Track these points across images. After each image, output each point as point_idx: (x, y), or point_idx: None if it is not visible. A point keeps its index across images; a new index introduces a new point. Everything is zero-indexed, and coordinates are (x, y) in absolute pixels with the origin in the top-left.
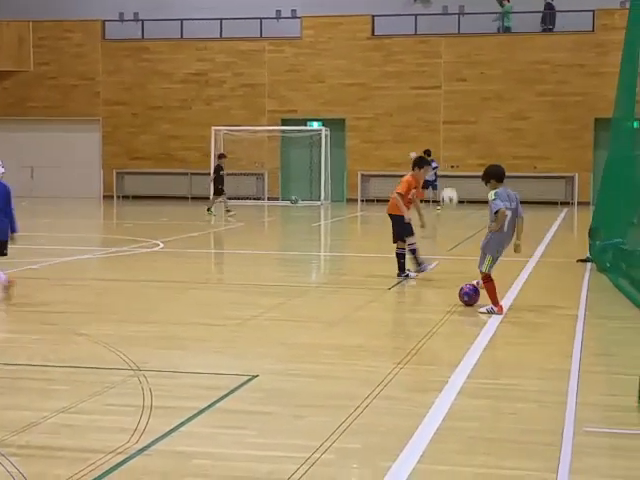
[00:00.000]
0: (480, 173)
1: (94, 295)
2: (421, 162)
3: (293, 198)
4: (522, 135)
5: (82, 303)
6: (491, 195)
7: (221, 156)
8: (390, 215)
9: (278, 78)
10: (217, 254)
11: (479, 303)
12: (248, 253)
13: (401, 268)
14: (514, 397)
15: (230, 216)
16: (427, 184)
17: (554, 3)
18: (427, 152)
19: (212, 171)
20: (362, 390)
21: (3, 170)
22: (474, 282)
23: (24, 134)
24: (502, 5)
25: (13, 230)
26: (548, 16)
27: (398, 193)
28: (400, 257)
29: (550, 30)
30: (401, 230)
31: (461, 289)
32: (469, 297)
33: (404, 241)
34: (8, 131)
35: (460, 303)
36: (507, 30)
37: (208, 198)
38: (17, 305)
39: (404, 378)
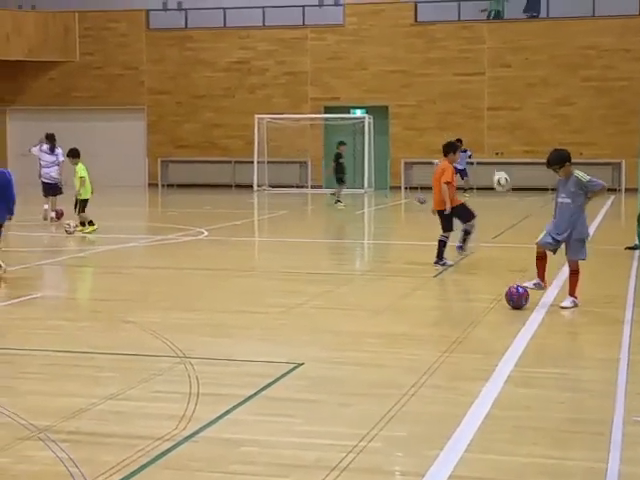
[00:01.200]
0: (525, 160)
1: (140, 283)
2: (453, 146)
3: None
4: (567, 121)
5: (128, 291)
6: (584, 176)
7: (341, 143)
8: (438, 211)
9: (321, 66)
10: (261, 242)
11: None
12: (292, 241)
13: (439, 255)
14: (562, 386)
15: (340, 207)
16: (456, 171)
17: None
18: (459, 141)
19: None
20: (408, 378)
21: (63, 158)
22: (526, 284)
23: (70, 123)
24: None
25: (10, 213)
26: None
27: (447, 183)
28: (441, 244)
29: (592, 15)
30: (446, 224)
31: (509, 292)
32: (514, 301)
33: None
34: (54, 121)
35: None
36: (497, 16)
37: (251, 186)
38: (65, 292)
39: (450, 367)
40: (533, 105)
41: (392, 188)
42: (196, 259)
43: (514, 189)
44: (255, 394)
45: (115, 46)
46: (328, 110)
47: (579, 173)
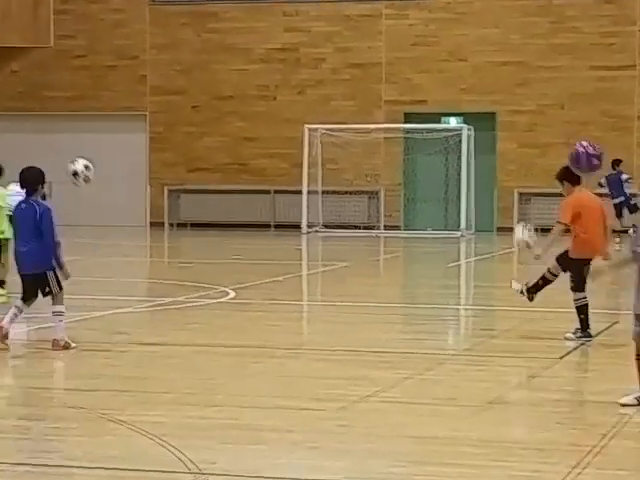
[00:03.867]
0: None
1: (136, 366)
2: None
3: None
4: None
5: (120, 377)
6: None
7: (617, 162)
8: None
9: (400, 55)
10: (312, 307)
11: None
12: (356, 306)
13: (582, 326)
14: None
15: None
16: (619, 207)
17: None
18: (617, 162)
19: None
20: None
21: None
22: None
23: (39, 136)
24: None
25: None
26: None
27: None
28: (580, 311)
29: None
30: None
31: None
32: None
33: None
34: (17, 131)
35: None
36: None
37: (299, 227)
38: (29, 378)
39: None
40: None
41: (501, 230)
42: (217, 332)
43: None
44: None
45: (106, 26)
46: (410, 118)
47: None
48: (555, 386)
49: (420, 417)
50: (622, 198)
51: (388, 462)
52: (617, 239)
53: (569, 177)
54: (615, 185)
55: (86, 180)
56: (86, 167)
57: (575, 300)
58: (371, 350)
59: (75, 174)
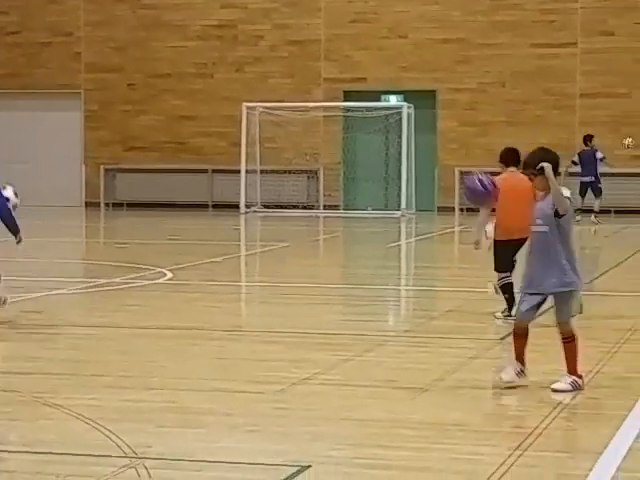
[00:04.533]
0: (636, 169)
1: (71, 349)
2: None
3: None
4: None
5: (55, 360)
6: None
7: (589, 138)
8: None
9: (339, 32)
10: (251, 288)
11: None
12: (296, 287)
13: (508, 305)
14: None
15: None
16: (586, 186)
17: None
18: (589, 137)
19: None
20: None
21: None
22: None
23: None
24: None
25: None
26: None
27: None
28: (503, 290)
29: None
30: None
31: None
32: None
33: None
34: None
35: (604, 363)
36: None
37: (237, 207)
38: None
39: (524, 471)
40: None
41: (442, 210)
42: (154, 313)
43: (618, 211)
44: None
45: (39, 2)
46: (350, 97)
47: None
48: (496, 367)
49: (360, 399)
50: (592, 178)
51: (328, 445)
52: (595, 219)
53: (503, 158)
54: (587, 162)
55: (15, 207)
56: (15, 194)
57: (498, 280)
58: (310, 332)
59: (7, 200)
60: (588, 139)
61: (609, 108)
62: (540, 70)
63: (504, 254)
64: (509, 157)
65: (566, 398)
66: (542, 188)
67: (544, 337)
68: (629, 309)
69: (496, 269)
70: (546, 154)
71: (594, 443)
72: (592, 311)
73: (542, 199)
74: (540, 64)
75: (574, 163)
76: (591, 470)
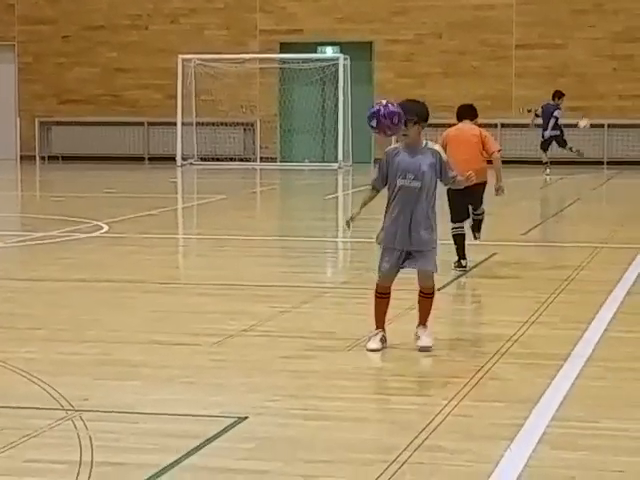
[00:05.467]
0: (571, 121)
1: (6, 301)
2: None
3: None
4: (633, 64)
5: None
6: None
7: (558, 95)
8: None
9: None
10: (187, 241)
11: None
12: (233, 239)
13: (458, 256)
14: (619, 447)
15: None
16: (549, 139)
17: None
18: (558, 94)
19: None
20: (398, 438)
21: None
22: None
23: None
24: None
25: None
26: None
27: (499, 151)
28: (453, 240)
29: None
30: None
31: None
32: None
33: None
34: None
35: (540, 313)
36: None
37: (173, 159)
38: None
39: (459, 420)
40: (583, 42)
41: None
42: (90, 266)
43: (554, 162)
44: (176, 463)
45: None
46: (286, 48)
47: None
48: (434, 318)
49: (297, 351)
50: (557, 132)
51: (264, 396)
52: (547, 170)
53: (458, 113)
54: (547, 117)
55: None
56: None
57: (451, 229)
58: (247, 284)
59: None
60: (557, 95)
61: (545, 59)
62: (476, 21)
63: (453, 203)
64: (459, 112)
65: (504, 346)
66: (413, 138)
67: (481, 288)
68: (566, 259)
69: (451, 219)
70: (416, 104)
71: (530, 393)
72: (530, 261)
73: (415, 152)
74: (476, 15)
75: (536, 115)
76: (527, 419)
